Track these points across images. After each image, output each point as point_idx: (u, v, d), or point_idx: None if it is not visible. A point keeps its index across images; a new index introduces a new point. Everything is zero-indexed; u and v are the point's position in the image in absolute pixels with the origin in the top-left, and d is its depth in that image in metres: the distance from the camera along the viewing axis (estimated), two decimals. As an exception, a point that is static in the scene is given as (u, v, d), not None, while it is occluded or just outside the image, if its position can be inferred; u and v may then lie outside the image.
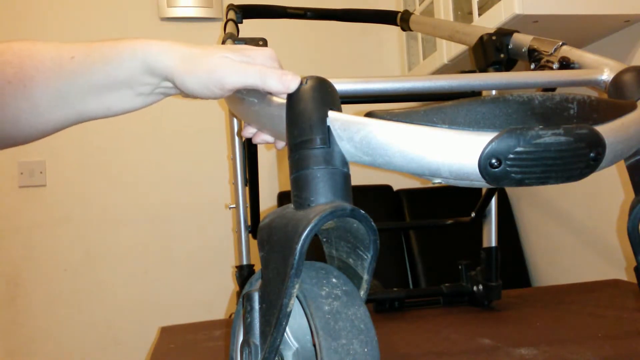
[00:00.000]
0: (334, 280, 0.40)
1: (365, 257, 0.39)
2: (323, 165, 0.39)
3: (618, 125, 0.42)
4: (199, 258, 1.85)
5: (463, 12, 1.50)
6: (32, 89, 0.46)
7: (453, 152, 0.38)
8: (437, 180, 0.41)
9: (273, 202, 1.80)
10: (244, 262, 1.07)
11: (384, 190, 1.87)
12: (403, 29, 1.19)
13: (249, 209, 1.10)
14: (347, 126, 0.39)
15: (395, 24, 1.20)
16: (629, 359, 0.72)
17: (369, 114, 0.40)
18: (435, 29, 1.06)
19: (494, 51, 0.80)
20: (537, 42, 0.73)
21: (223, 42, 0.81)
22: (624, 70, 0.52)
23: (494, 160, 0.37)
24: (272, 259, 0.38)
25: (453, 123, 0.39)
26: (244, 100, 0.47)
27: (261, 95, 0.45)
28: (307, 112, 0.40)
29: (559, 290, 1.21)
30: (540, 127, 0.38)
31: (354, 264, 0.41)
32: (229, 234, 1.81)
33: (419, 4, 1.74)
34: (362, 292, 0.41)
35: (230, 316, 1.31)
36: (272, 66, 0.46)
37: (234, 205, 1.09)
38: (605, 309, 0.99)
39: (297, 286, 0.37)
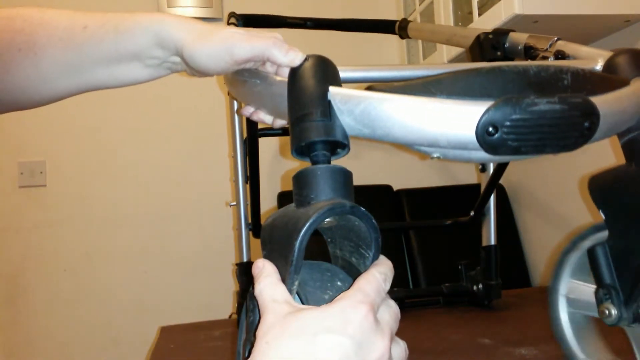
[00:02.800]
0: (338, 283, 0.39)
1: (367, 255, 0.39)
2: (324, 136, 0.39)
3: (611, 98, 0.43)
4: (199, 258, 1.85)
5: (463, 12, 1.50)
6: (42, 57, 0.46)
7: (451, 121, 0.39)
8: (436, 155, 0.41)
9: (273, 202, 1.80)
10: (244, 260, 1.07)
11: (384, 190, 1.87)
12: (401, 37, 1.19)
13: (249, 207, 1.10)
14: (347, 100, 0.40)
15: (393, 32, 1.21)
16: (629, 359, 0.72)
17: (369, 88, 0.41)
18: (434, 34, 1.07)
19: (490, 49, 0.81)
20: (533, 39, 0.73)
21: None
22: (616, 53, 0.52)
23: (490, 128, 0.38)
24: (274, 257, 0.39)
25: (450, 93, 0.40)
26: (246, 82, 0.48)
27: (263, 75, 0.47)
28: (309, 87, 0.41)
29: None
30: (536, 95, 0.39)
31: (356, 263, 0.41)
32: (230, 233, 1.81)
33: (419, 4, 1.74)
34: None
35: (230, 316, 1.31)
36: (277, 43, 0.47)
37: (234, 203, 1.10)
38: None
39: (297, 283, 0.37)
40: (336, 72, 0.43)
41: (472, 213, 1.14)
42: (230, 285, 1.80)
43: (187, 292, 1.82)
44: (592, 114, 0.40)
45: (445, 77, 0.40)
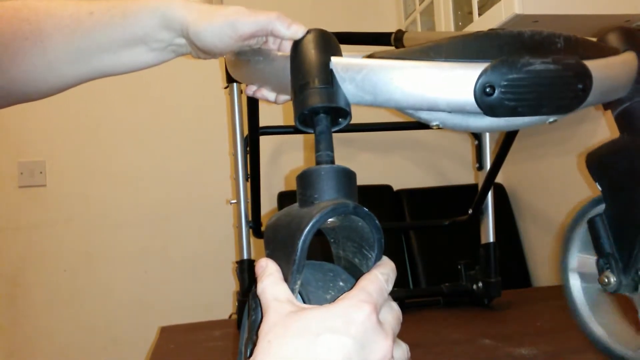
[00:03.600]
0: (341, 283, 0.39)
1: (370, 256, 0.39)
2: (327, 102, 0.40)
3: (603, 63, 0.45)
4: (199, 258, 1.85)
5: (463, 12, 1.50)
6: (49, 45, 0.47)
7: (450, 84, 0.40)
8: (436, 123, 0.43)
9: (272, 201, 1.80)
10: (245, 258, 1.07)
11: (384, 190, 1.87)
12: (397, 47, 1.19)
13: (249, 205, 1.10)
14: (349, 67, 0.41)
15: (389, 44, 1.21)
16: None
17: (369, 56, 0.42)
18: (429, 42, 1.07)
19: None
20: None
21: None
22: (607, 30, 0.54)
23: (488, 89, 0.39)
24: (277, 256, 0.39)
25: (449, 57, 0.41)
26: (249, 61, 0.49)
27: (266, 52, 0.48)
28: (311, 57, 0.42)
29: (559, 290, 1.21)
30: (530, 56, 0.40)
31: (359, 263, 0.41)
32: (229, 233, 1.81)
33: (419, 4, 1.74)
34: None
35: (230, 316, 1.32)
36: (280, 17, 0.48)
37: (235, 201, 1.10)
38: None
39: (299, 282, 0.37)
40: (337, 45, 0.44)
41: (470, 211, 1.14)
42: (230, 285, 1.80)
43: (187, 292, 1.82)
44: (586, 75, 0.42)
45: (443, 41, 0.41)
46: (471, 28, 1.40)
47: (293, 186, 1.91)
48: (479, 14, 1.34)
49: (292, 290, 0.36)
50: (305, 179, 0.40)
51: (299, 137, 1.88)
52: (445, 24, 1.53)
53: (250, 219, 1.10)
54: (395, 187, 1.89)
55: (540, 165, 1.77)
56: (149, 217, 1.83)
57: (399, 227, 1.80)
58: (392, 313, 0.37)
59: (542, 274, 1.78)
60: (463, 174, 2.00)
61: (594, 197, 0.59)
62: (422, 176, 1.98)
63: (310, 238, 0.36)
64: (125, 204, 1.82)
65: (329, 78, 0.41)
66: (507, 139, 1.04)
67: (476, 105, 0.40)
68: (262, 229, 1.17)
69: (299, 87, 0.41)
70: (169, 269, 1.83)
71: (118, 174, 1.83)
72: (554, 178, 1.71)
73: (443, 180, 1.99)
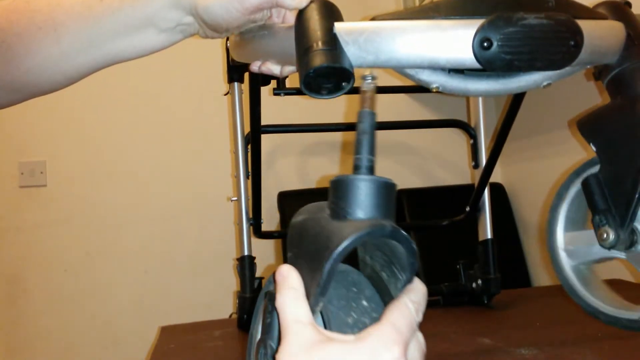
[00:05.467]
0: (364, 303, 0.36)
1: (400, 277, 0.36)
2: (331, 63, 0.40)
3: (593, 24, 0.47)
4: (199, 258, 1.85)
5: (463, 12, 1.51)
6: (62, 33, 0.48)
7: (449, 39, 0.42)
8: (435, 85, 0.44)
9: (273, 201, 1.80)
10: (245, 254, 1.07)
11: (384, 190, 1.87)
12: None
13: (250, 202, 1.11)
14: (351, 30, 0.43)
15: None
16: (629, 359, 0.72)
17: (372, 19, 0.44)
18: None
19: None
20: None
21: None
22: (597, 5, 0.55)
23: (485, 43, 0.41)
24: (300, 264, 0.37)
25: (448, 15, 0.42)
26: (253, 37, 0.51)
27: (270, 26, 0.49)
28: (315, 22, 0.43)
29: (559, 290, 1.21)
30: (525, 12, 0.42)
31: (387, 280, 0.38)
32: (230, 233, 1.81)
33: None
34: None
35: (230, 316, 1.31)
36: None
37: (235, 198, 1.11)
38: (605, 308, 0.99)
39: (321, 304, 0.34)
40: (340, 13, 0.45)
41: (467, 208, 1.14)
42: (231, 285, 1.80)
43: (187, 291, 1.82)
44: (577, 32, 0.44)
45: (441, 1, 0.43)
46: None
47: (293, 186, 1.91)
48: (479, 14, 1.34)
49: (313, 311, 0.34)
50: (339, 187, 0.37)
51: (299, 136, 1.88)
52: (445, 24, 1.53)
53: (251, 216, 1.11)
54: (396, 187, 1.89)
55: (540, 165, 1.78)
56: (149, 216, 1.83)
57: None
58: (419, 348, 0.35)
59: (541, 273, 1.78)
60: (464, 174, 2.00)
61: (585, 162, 0.61)
62: (422, 176, 1.98)
63: (339, 262, 0.33)
64: (126, 204, 1.82)
65: (332, 41, 0.42)
66: (501, 134, 1.04)
67: (475, 60, 0.42)
68: (262, 226, 1.17)
69: (303, 50, 0.42)
70: (169, 269, 1.83)
71: (118, 173, 1.83)
72: (553, 178, 1.71)
73: (443, 180, 1.99)
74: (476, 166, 1.13)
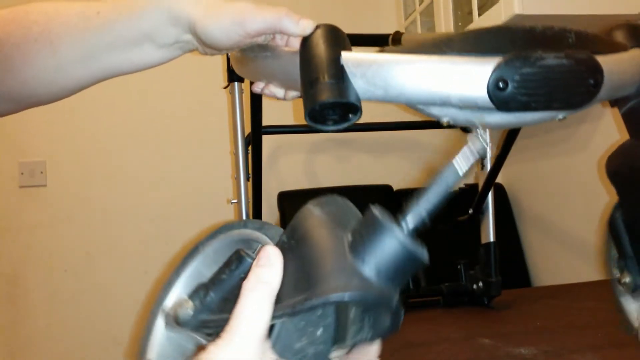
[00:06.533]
0: (318, 333, 0.33)
1: (365, 332, 0.34)
2: (338, 98, 0.39)
3: (614, 58, 0.45)
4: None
5: (463, 12, 1.50)
6: (58, 45, 0.47)
7: (462, 77, 0.39)
8: (446, 119, 0.42)
9: (273, 202, 1.80)
10: None
11: (384, 190, 1.87)
12: None
13: (250, 204, 1.10)
14: (359, 62, 0.40)
15: (387, 45, 1.21)
16: (629, 359, 0.72)
17: (381, 51, 0.42)
18: None
19: None
20: None
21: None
22: (614, 27, 0.54)
23: (501, 83, 0.39)
24: (288, 259, 0.35)
25: (461, 51, 0.40)
26: (256, 57, 0.49)
27: (273, 48, 0.47)
28: (321, 52, 0.41)
29: (559, 290, 1.21)
30: (543, 51, 0.39)
31: (351, 320, 0.35)
32: (229, 234, 1.81)
33: (419, 4, 1.75)
34: (333, 355, 0.35)
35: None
36: (288, 13, 0.48)
37: (235, 201, 1.10)
38: (606, 309, 0.99)
39: (284, 319, 0.33)
40: (347, 40, 0.43)
41: (470, 211, 1.14)
42: (231, 285, 1.80)
43: (187, 292, 1.82)
44: (597, 70, 0.41)
45: (455, 35, 0.41)
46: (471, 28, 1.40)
47: (293, 186, 1.91)
48: (479, 14, 1.34)
49: (272, 319, 0.32)
50: (373, 226, 0.33)
51: (300, 136, 1.88)
52: (445, 24, 1.53)
53: (251, 218, 1.10)
54: (395, 187, 1.89)
55: (540, 166, 1.78)
56: (149, 217, 1.83)
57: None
58: None
59: (541, 273, 1.78)
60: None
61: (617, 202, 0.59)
62: (422, 176, 1.98)
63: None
64: (126, 204, 1.82)
65: (339, 73, 0.40)
66: (508, 140, 1.04)
67: (489, 100, 0.40)
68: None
69: (309, 82, 0.41)
70: (170, 269, 1.83)
71: (118, 174, 1.83)
72: (553, 178, 1.71)
73: (443, 180, 1.99)
74: (482, 168, 1.14)
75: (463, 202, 1.21)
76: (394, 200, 1.86)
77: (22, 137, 1.78)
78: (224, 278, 0.37)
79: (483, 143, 0.36)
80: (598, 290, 1.14)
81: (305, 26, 0.44)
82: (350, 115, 0.41)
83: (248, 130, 1.06)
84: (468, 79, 0.39)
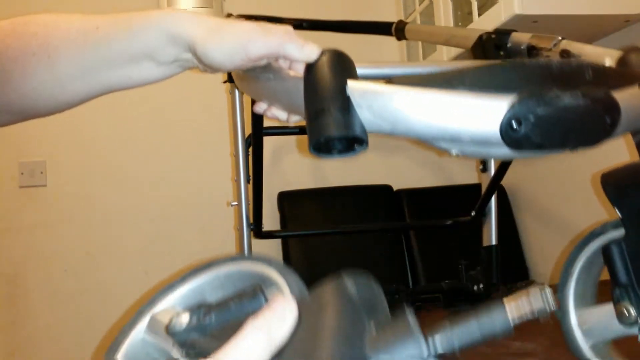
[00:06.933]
0: None
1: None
2: (343, 131, 0.37)
3: (631, 93, 0.42)
4: (199, 259, 1.84)
5: (463, 13, 1.50)
6: (56, 59, 0.46)
7: (474, 116, 0.37)
8: (455, 152, 0.40)
9: (270, 201, 1.80)
10: None
11: (384, 190, 1.87)
12: (398, 39, 1.19)
13: (251, 206, 1.10)
14: (366, 94, 0.39)
15: (390, 34, 1.20)
16: (630, 359, 0.72)
17: (388, 82, 0.40)
18: (432, 36, 1.07)
19: (493, 49, 0.81)
20: (536, 39, 0.73)
21: None
22: (628, 50, 0.52)
23: (514, 123, 0.37)
24: (302, 323, 0.31)
25: (473, 87, 0.38)
26: (258, 78, 0.47)
27: (276, 70, 0.46)
28: (326, 81, 0.40)
29: (557, 289, 1.21)
30: (559, 89, 0.38)
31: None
32: (230, 234, 1.81)
33: (419, 4, 1.75)
34: None
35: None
36: (292, 38, 0.47)
37: (235, 203, 1.10)
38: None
39: None
40: (353, 66, 0.42)
41: (473, 213, 1.14)
42: (231, 285, 1.80)
43: (187, 292, 1.82)
44: (614, 109, 0.40)
45: (467, 70, 0.39)
46: (471, 28, 1.40)
47: (293, 185, 1.91)
48: (479, 14, 1.34)
49: None
50: (399, 330, 0.31)
51: (299, 137, 1.88)
52: (445, 24, 1.53)
53: (251, 221, 1.10)
54: (395, 187, 1.89)
55: (540, 166, 1.78)
56: (150, 217, 1.83)
57: (399, 227, 1.80)
58: None
59: (541, 273, 1.78)
60: (463, 174, 2.00)
61: (607, 222, 0.55)
62: (422, 176, 1.98)
63: None
64: (126, 204, 1.82)
65: (345, 104, 0.38)
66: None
67: (500, 139, 0.37)
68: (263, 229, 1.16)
69: (313, 113, 0.39)
70: (169, 269, 1.83)
71: (118, 174, 1.83)
72: (553, 178, 1.71)
73: (443, 180, 1.99)
74: (484, 170, 1.13)
75: (463, 202, 1.21)
76: (394, 200, 1.86)
77: (22, 137, 1.78)
78: (231, 306, 0.35)
79: (546, 305, 0.31)
80: (598, 290, 1.14)
81: (310, 52, 0.42)
82: (356, 146, 0.40)
83: (248, 131, 1.06)
84: (481, 117, 0.37)
